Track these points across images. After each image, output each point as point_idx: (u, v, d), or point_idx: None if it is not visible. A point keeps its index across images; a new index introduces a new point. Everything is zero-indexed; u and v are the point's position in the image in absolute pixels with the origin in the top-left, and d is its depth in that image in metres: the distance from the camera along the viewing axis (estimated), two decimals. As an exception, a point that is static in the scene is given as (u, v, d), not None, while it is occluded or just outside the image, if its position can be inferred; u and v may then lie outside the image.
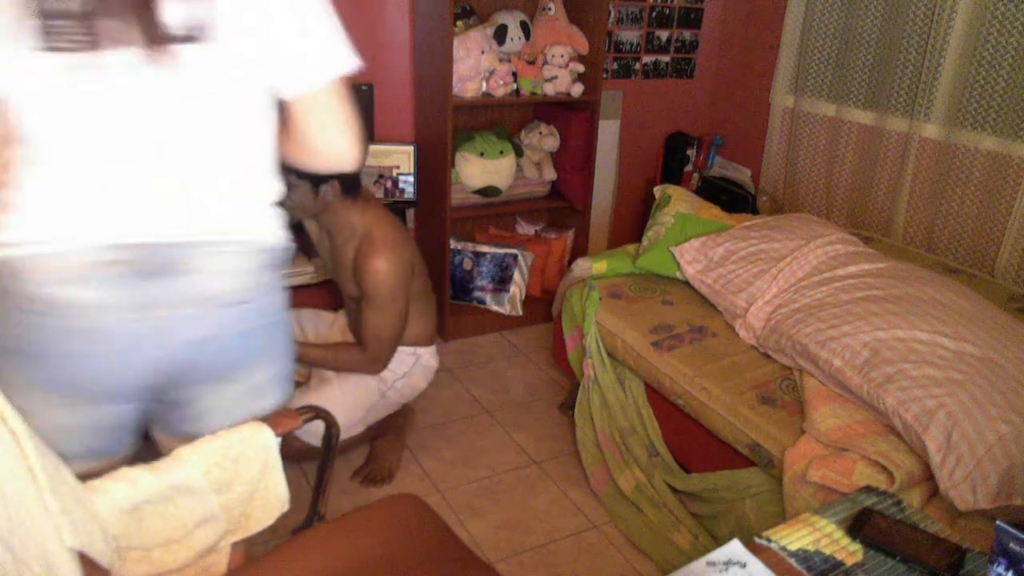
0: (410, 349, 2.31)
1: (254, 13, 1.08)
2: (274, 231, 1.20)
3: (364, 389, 2.24)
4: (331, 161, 1.23)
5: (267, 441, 1.25)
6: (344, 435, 2.24)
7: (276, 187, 1.21)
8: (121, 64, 1.01)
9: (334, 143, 1.20)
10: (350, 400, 2.21)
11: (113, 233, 1.06)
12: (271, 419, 1.28)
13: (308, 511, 1.46)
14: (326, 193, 1.98)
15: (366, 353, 2.15)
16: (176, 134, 1.08)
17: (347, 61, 1.15)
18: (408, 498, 1.42)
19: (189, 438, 1.22)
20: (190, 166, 1.10)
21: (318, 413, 1.36)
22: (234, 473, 1.22)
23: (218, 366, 1.20)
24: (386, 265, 2.03)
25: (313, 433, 2.11)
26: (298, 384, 2.26)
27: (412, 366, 2.33)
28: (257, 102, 1.14)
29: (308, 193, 1.96)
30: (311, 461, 2.32)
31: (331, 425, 1.40)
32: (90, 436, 1.17)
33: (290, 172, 1.25)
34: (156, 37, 1.00)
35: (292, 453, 2.29)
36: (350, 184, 2.02)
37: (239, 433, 1.23)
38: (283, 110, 1.18)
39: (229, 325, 1.17)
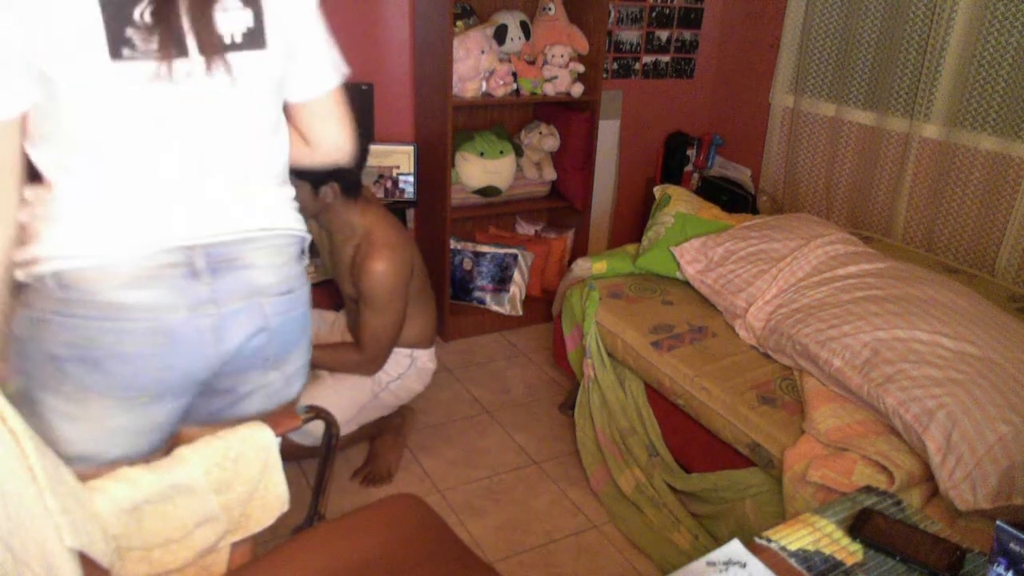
0: (407, 351, 2.31)
1: (287, 21, 1.17)
2: (300, 220, 1.28)
3: (358, 388, 2.24)
4: (331, 156, 1.34)
5: (267, 441, 1.25)
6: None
7: (290, 180, 1.29)
8: (181, 72, 1.05)
9: (335, 140, 1.31)
10: (344, 399, 2.21)
11: (167, 236, 1.10)
12: (271, 419, 1.29)
13: (308, 510, 1.46)
14: (326, 194, 1.98)
15: (363, 354, 2.15)
16: (225, 137, 1.14)
17: (344, 66, 1.29)
18: (408, 498, 1.42)
19: (222, 426, 1.27)
20: (235, 167, 1.16)
21: (319, 413, 1.36)
22: (234, 473, 1.21)
23: (266, 355, 1.26)
24: (385, 266, 2.03)
25: (303, 432, 2.14)
26: None
27: (407, 368, 2.32)
28: (280, 104, 1.23)
29: (309, 193, 1.96)
30: (304, 459, 2.34)
31: (331, 425, 1.40)
32: (145, 435, 1.20)
33: (290, 173, 1.29)
34: (212, 46, 1.06)
35: (282, 451, 2.30)
36: (350, 184, 2.02)
37: (239, 433, 1.23)
38: (285, 111, 1.26)
39: (276, 315, 1.24)
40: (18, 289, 1.10)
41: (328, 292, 2.91)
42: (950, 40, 2.82)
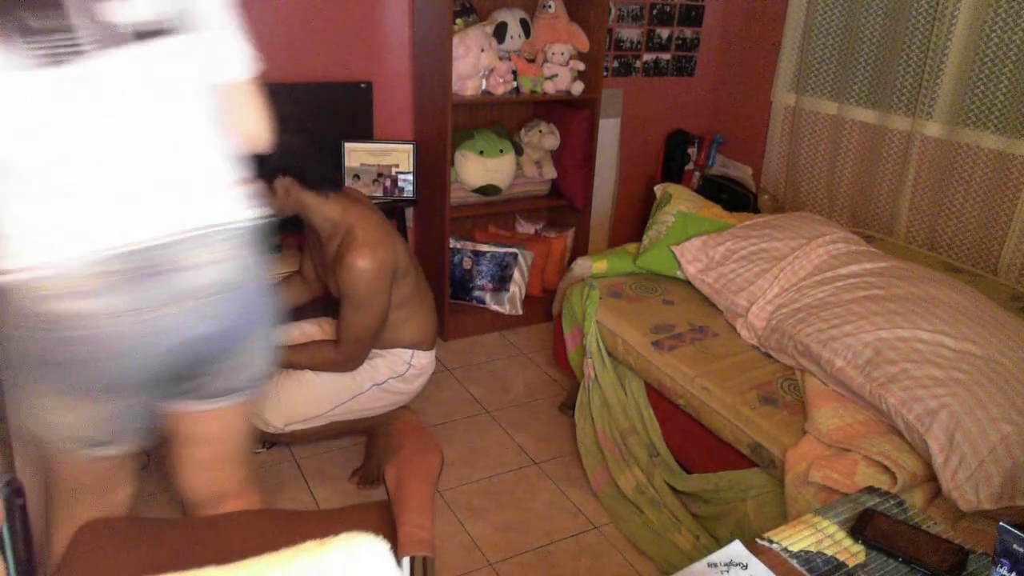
0: (407, 352, 2.27)
1: (202, 8, 1.18)
2: (244, 210, 1.27)
3: (338, 385, 2.23)
4: (248, 143, 1.35)
5: None
6: (304, 424, 2.24)
7: (235, 170, 1.28)
8: (98, 70, 1.05)
9: (249, 129, 1.34)
10: (320, 390, 2.21)
11: (102, 243, 1.10)
12: None
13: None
14: (281, 187, 1.95)
15: (340, 351, 2.13)
16: (148, 132, 1.14)
17: (255, 59, 1.29)
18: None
19: (202, 408, 1.36)
20: (163, 164, 1.16)
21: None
22: None
23: (219, 347, 1.28)
24: (364, 263, 2.00)
25: (262, 419, 2.17)
26: None
27: (406, 370, 2.28)
28: (207, 94, 1.22)
29: (265, 188, 1.93)
30: (296, 445, 2.38)
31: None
32: (120, 422, 1.25)
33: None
34: (111, 39, 1.06)
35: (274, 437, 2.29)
36: (308, 178, 1.98)
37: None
38: None
39: (218, 315, 1.24)
40: None
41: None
42: (952, 38, 2.81)
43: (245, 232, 1.26)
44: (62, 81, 1.03)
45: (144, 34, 1.09)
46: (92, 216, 1.10)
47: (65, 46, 1.02)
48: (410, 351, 2.29)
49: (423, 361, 2.32)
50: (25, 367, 1.16)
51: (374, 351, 2.25)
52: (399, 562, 1.29)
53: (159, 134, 1.15)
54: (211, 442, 1.44)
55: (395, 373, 2.29)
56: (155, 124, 1.14)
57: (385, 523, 1.37)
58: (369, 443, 2.43)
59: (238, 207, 1.26)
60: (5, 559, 1.11)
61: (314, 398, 2.21)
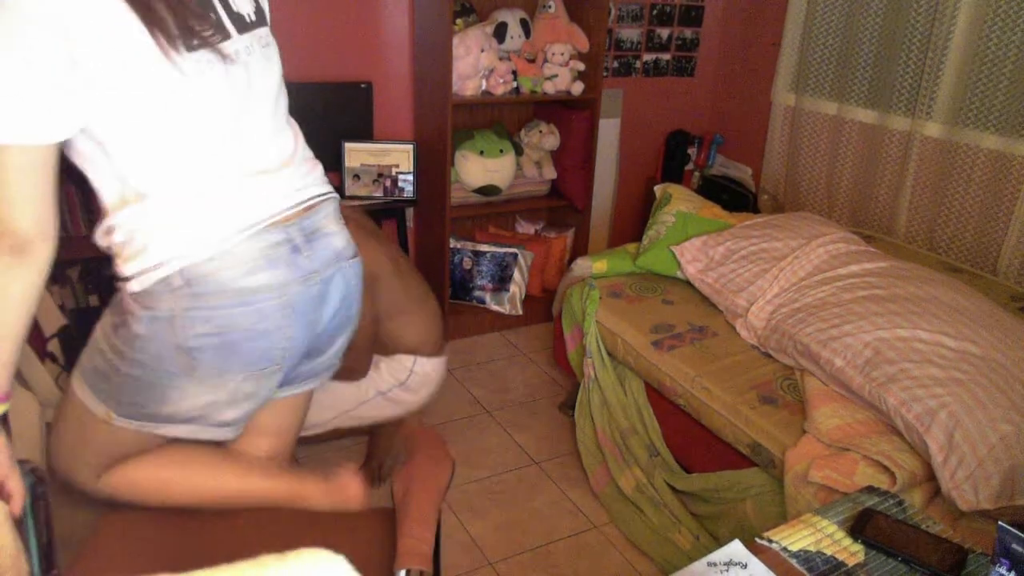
0: (408, 358, 2.21)
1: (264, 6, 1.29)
2: (329, 185, 1.37)
3: (342, 393, 2.20)
4: None
5: None
6: (304, 432, 2.21)
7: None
8: (233, 52, 1.14)
9: None
10: (323, 398, 2.18)
11: (263, 215, 1.18)
12: None
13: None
14: None
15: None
16: (275, 110, 1.24)
17: None
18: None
19: (286, 395, 1.41)
20: (287, 138, 1.27)
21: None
22: None
23: (348, 315, 1.37)
24: None
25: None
26: None
27: (407, 376, 2.22)
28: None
29: None
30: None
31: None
32: (259, 400, 1.32)
33: None
34: (243, 25, 1.17)
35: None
36: None
37: None
38: None
39: (354, 277, 1.36)
40: (127, 296, 1.17)
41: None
42: (952, 38, 2.81)
43: (338, 205, 1.36)
44: (216, 64, 1.10)
45: (254, 23, 1.20)
46: (247, 191, 1.17)
47: (216, 36, 1.11)
48: (411, 357, 2.22)
49: (426, 368, 2.24)
50: (183, 356, 1.17)
51: (376, 356, 2.23)
52: (395, 574, 1.29)
53: (278, 109, 1.25)
54: (275, 435, 1.47)
55: (398, 381, 2.23)
56: (275, 100, 1.24)
57: (387, 531, 1.37)
58: (371, 442, 2.43)
59: (326, 181, 1.35)
60: (28, 546, 1.11)
61: (316, 406, 2.16)
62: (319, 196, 1.28)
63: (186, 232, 1.12)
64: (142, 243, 1.12)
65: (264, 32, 1.23)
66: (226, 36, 1.12)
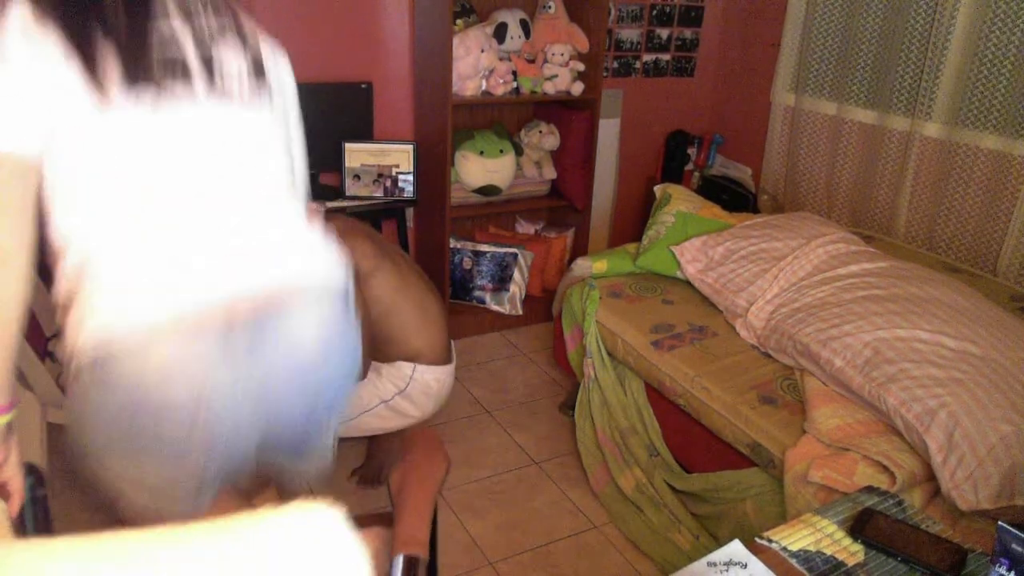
0: (408, 365, 2.15)
1: (281, 78, 1.26)
2: (326, 266, 1.24)
3: (359, 395, 2.18)
4: None
5: None
6: None
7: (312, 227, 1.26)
8: (213, 116, 1.10)
9: None
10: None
11: (203, 292, 1.09)
12: None
13: None
14: None
15: None
16: (244, 173, 1.16)
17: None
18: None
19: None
20: (257, 214, 1.17)
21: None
22: None
23: (311, 402, 1.25)
24: None
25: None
26: None
27: (407, 384, 2.15)
28: (286, 150, 1.28)
29: None
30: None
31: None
32: (196, 487, 1.18)
33: None
34: (220, 81, 1.12)
35: None
36: None
37: None
38: None
39: (313, 369, 1.21)
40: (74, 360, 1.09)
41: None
42: (952, 38, 2.81)
43: (329, 289, 1.23)
44: (183, 125, 1.07)
45: (245, 88, 1.15)
46: (191, 262, 1.09)
47: (190, 93, 1.07)
48: (410, 364, 2.15)
49: (426, 377, 2.16)
50: (111, 426, 1.09)
51: (376, 364, 2.19)
52: (392, 561, 1.30)
53: (252, 183, 1.16)
54: None
55: (397, 389, 2.18)
56: (252, 172, 1.16)
57: (385, 531, 1.37)
58: (371, 443, 2.43)
59: (320, 263, 1.23)
60: None
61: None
62: (290, 276, 1.19)
63: (116, 301, 1.06)
64: (76, 308, 1.09)
65: (259, 100, 1.18)
66: (187, 89, 1.09)
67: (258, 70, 1.18)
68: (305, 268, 1.20)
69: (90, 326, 1.04)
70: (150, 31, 1.05)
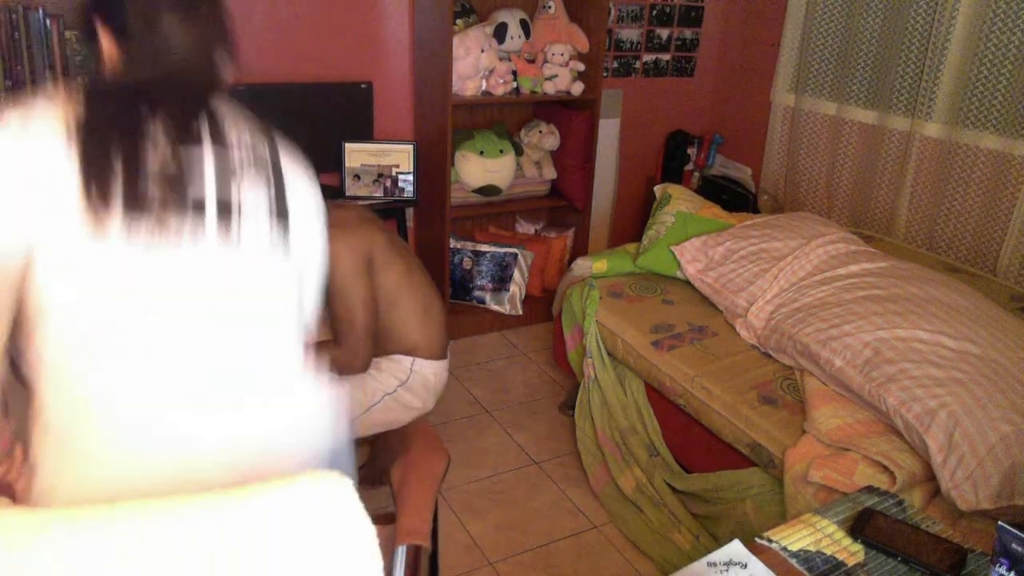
0: (407, 359, 2.18)
1: (301, 225, 1.11)
2: (320, 423, 1.14)
3: (351, 399, 2.18)
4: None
5: None
6: None
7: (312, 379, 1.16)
8: (199, 262, 0.98)
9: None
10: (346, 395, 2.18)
11: (183, 453, 0.99)
12: None
13: None
14: None
15: (342, 346, 2.09)
16: (229, 333, 1.03)
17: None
18: None
19: None
20: (244, 369, 1.05)
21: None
22: None
23: None
24: (331, 246, 1.93)
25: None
26: None
27: (407, 378, 2.19)
28: (293, 299, 1.13)
29: None
30: None
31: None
32: None
33: None
34: (223, 222, 0.99)
35: None
36: None
37: None
38: None
39: None
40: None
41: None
42: (952, 38, 2.81)
43: (324, 452, 1.13)
44: (179, 269, 0.96)
45: (262, 233, 1.03)
46: (169, 420, 0.98)
47: (173, 234, 0.95)
48: (410, 358, 2.19)
49: (425, 371, 2.21)
50: None
51: (375, 360, 2.20)
52: (394, 551, 1.29)
53: (247, 344, 1.04)
54: None
55: (399, 381, 2.21)
56: (251, 331, 1.04)
57: (387, 529, 1.37)
58: (374, 444, 2.43)
59: (314, 419, 1.13)
60: None
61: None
62: (274, 440, 1.05)
63: (57, 470, 0.95)
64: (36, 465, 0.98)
65: (262, 245, 1.03)
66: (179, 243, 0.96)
67: (281, 210, 1.05)
68: (292, 440, 1.08)
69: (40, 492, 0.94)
70: (175, 155, 0.95)
